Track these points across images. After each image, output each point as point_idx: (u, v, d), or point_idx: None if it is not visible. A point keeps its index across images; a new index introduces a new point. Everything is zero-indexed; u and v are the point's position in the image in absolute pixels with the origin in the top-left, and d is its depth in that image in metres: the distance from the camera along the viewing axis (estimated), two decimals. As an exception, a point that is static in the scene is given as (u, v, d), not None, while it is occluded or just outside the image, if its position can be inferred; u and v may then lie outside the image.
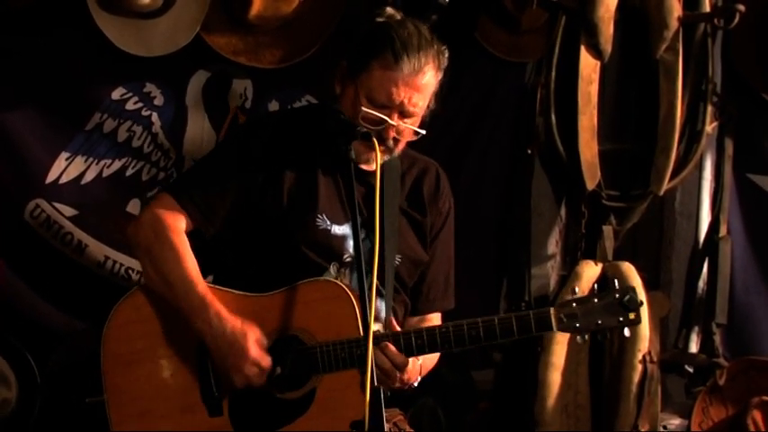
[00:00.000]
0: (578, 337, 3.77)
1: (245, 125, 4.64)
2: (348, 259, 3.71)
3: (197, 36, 4.79)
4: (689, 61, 5.32)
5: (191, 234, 3.71)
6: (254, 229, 3.72)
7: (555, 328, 3.66)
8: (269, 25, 4.88)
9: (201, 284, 3.59)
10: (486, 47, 5.30)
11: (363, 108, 3.61)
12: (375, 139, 3.51)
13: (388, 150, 3.67)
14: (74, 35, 4.72)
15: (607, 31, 5.15)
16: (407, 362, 3.58)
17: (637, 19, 5.29)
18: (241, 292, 3.61)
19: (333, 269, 3.69)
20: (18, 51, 4.66)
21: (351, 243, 3.70)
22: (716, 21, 5.28)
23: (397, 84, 3.59)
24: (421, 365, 3.73)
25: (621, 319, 3.69)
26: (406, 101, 3.60)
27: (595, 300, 3.69)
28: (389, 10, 3.78)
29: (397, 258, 3.79)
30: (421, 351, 3.59)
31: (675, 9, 5.20)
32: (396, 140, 3.68)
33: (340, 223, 3.73)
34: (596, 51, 5.18)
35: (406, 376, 3.62)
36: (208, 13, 4.78)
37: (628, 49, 5.37)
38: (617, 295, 3.69)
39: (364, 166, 3.75)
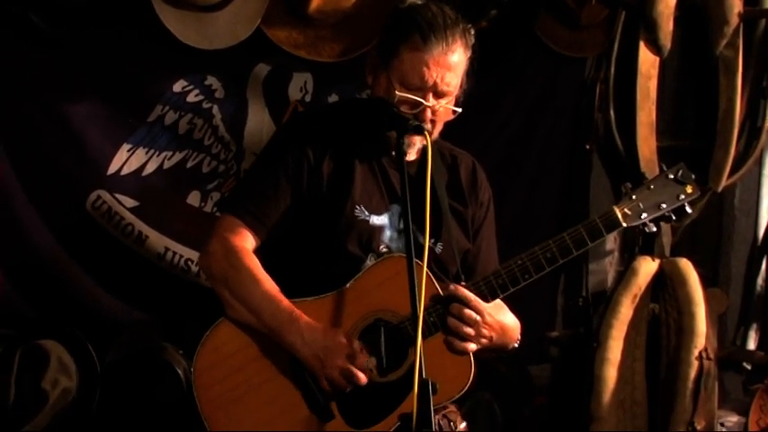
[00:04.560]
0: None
1: (286, 124, 4.63)
2: (384, 250, 3.71)
3: (257, 29, 4.82)
4: (749, 57, 5.31)
5: None
6: (297, 227, 3.70)
7: (623, 224, 3.66)
8: (329, 19, 4.91)
9: (285, 300, 3.56)
10: (545, 42, 5.32)
11: (398, 92, 3.61)
12: (427, 133, 3.50)
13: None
14: (136, 28, 4.75)
15: (666, 26, 5.14)
16: (483, 307, 3.57)
17: (696, 15, 5.29)
18: (314, 298, 3.59)
19: (370, 261, 3.68)
20: (82, 44, 4.68)
21: (387, 234, 3.72)
22: (777, 17, 5.28)
23: (428, 64, 3.59)
24: (507, 326, 3.72)
25: (681, 195, 3.71)
26: (438, 80, 3.60)
27: (651, 186, 3.70)
28: None
29: (439, 246, 3.79)
30: (504, 289, 3.59)
31: (736, 5, 5.19)
32: (432, 122, 3.67)
33: (379, 213, 3.73)
34: (655, 47, 5.17)
35: (487, 328, 3.59)
36: (268, 7, 4.81)
37: (687, 44, 5.37)
38: (670, 175, 3.71)
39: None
